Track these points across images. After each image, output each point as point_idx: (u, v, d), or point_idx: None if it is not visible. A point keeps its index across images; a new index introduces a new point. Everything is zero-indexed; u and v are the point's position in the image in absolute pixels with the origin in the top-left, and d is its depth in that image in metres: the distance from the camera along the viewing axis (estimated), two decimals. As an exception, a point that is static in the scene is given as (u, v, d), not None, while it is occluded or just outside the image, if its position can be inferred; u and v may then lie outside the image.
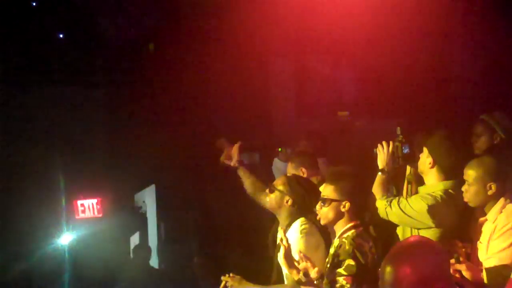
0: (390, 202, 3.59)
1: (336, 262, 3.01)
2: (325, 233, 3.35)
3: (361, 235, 3.04)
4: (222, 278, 3.51)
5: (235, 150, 4.19)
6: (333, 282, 3.02)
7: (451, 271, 3.22)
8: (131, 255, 6.21)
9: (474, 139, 4.54)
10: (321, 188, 3.32)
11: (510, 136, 4.40)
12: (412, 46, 6.06)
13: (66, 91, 6.66)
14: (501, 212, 3.31)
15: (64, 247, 5.65)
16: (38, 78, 6.61)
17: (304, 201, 3.55)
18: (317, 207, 3.16)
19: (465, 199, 3.40)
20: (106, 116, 6.98)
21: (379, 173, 3.75)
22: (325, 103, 6.92)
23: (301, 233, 3.33)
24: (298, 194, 3.56)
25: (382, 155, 3.79)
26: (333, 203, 3.07)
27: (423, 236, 3.31)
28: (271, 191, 3.53)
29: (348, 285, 2.89)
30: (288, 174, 4.40)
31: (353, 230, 3.05)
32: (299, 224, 3.43)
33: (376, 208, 3.80)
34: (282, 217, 3.50)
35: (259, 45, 6.65)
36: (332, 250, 3.12)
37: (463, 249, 3.24)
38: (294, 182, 3.61)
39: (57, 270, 5.43)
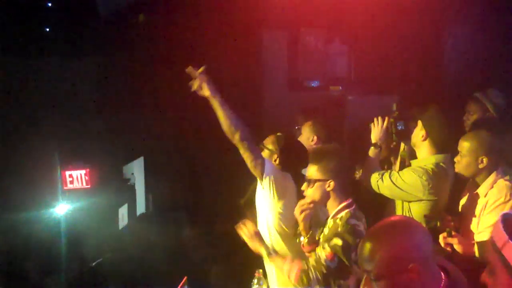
0: (382, 175, 3.62)
1: (325, 239, 3.03)
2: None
3: (355, 215, 3.05)
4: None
5: (200, 76, 3.90)
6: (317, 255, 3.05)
7: (443, 244, 3.27)
8: (121, 226, 6.21)
9: (466, 116, 4.59)
10: None
11: (502, 114, 4.44)
12: (407, 21, 6.03)
13: (54, 61, 6.57)
14: (492, 187, 3.35)
15: (58, 216, 5.62)
16: (26, 48, 6.50)
17: (291, 162, 3.56)
18: (303, 187, 3.17)
19: (456, 170, 3.45)
20: (95, 87, 6.90)
21: (372, 147, 3.77)
22: (318, 78, 6.90)
23: None
24: (285, 154, 3.57)
25: (376, 129, 3.81)
26: (318, 183, 3.07)
27: (405, 216, 3.36)
28: (261, 150, 3.53)
29: (326, 259, 2.95)
30: (301, 131, 4.37)
31: (346, 210, 3.06)
32: None
33: (365, 186, 3.83)
34: None
35: (250, 18, 6.59)
36: (326, 231, 3.12)
37: (452, 223, 3.28)
38: (283, 142, 3.61)
39: (49, 239, 5.41)
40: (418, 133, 3.70)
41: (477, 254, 3.17)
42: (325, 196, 3.09)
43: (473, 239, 3.29)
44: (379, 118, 3.83)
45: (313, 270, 2.98)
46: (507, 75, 5.58)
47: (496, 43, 5.92)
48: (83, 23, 6.76)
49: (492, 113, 4.50)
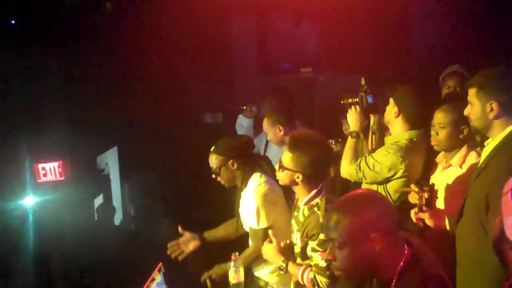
0: (359, 165, 3.63)
1: (309, 234, 3.04)
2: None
3: (330, 201, 3.05)
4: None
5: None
6: (305, 254, 3.06)
7: (414, 219, 3.31)
8: (96, 216, 6.18)
9: (444, 90, 4.61)
10: None
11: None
12: (374, 1, 6.06)
13: (23, 53, 6.47)
14: (464, 160, 3.40)
15: (23, 211, 5.56)
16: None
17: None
18: (276, 167, 3.18)
19: (434, 143, 3.47)
20: (67, 78, 6.82)
21: (349, 137, 3.78)
22: (288, 60, 6.91)
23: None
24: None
25: (353, 116, 3.82)
26: (288, 171, 3.07)
27: (370, 189, 3.39)
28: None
29: (323, 261, 2.93)
30: (264, 130, 4.37)
31: (320, 197, 3.07)
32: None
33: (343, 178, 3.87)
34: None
35: (219, 3, 6.56)
36: (301, 217, 3.12)
37: (424, 196, 3.31)
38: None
39: (21, 233, 5.36)
40: (391, 110, 3.72)
41: (448, 227, 3.22)
42: (293, 183, 3.12)
43: (446, 212, 3.34)
44: (356, 105, 3.82)
45: (319, 278, 3.00)
46: (477, 51, 5.66)
47: (465, 19, 5.98)
48: (49, 14, 6.66)
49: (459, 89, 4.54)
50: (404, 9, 6.35)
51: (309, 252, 3.05)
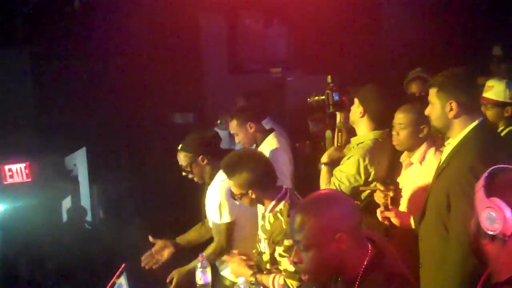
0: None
1: (275, 240, 3.05)
2: None
3: (293, 204, 3.05)
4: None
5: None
6: (274, 260, 3.06)
7: (380, 218, 3.33)
8: (64, 218, 6.09)
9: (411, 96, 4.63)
10: None
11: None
12: (343, 1, 6.09)
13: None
14: (424, 157, 3.43)
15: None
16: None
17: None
18: (236, 197, 3.20)
19: (395, 143, 3.49)
20: (33, 78, 6.72)
21: (323, 166, 3.73)
22: (258, 60, 6.90)
23: None
24: None
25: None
26: (243, 197, 3.10)
27: (333, 189, 3.40)
28: None
29: (291, 266, 2.93)
30: (233, 133, 4.33)
31: (283, 202, 3.08)
32: None
33: None
34: None
35: (188, 2, 6.53)
36: (267, 225, 3.12)
37: (388, 193, 3.33)
38: None
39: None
40: (356, 110, 3.73)
41: (413, 226, 3.24)
42: (256, 201, 3.14)
43: (410, 211, 3.36)
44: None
45: (289, 281, 3.00)
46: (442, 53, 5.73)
47: (430, 22, 6.05)
48: (16, 13, 6.57)
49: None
50: (373, 9, 6.40)
51: (277, 257, 3.06)
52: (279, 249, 3.03)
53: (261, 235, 3.21)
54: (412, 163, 3.45)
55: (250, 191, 3.07)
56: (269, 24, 6.98)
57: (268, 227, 3.11)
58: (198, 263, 3.40)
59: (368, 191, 3.57)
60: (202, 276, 3.36)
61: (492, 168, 1.80)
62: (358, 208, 2.15)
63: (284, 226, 2.99)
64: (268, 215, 3.12)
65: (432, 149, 3.42)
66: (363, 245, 2.10)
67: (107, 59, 6.52)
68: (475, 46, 5.73)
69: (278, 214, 3.06)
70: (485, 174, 1.77)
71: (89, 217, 6.47)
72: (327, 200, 2.12)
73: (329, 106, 3.89)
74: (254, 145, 4.41)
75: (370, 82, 3.84)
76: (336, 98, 3.84)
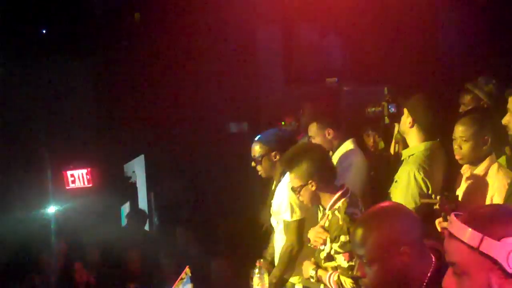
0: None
1: (331, 237, 3.06)
2: None
3: (351, 203, 3.05)
4: None
5: None
6: (331, 258, 3.08)
7: (439, 229, 3.30)
8: (124, 223, 6.26)
9: (462, 108, 4.59)
10: None
11: (495, 101, 4.46)
12: (398, 13, 6.06)
13: (55, 60, 6.62)
14: (486, 172, 3.37)
15: (51, 217, 5.66)
16: (25, 47, 6.54)
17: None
18: (296, 196, 3.22)
19: (458, 157, 3.43)
20: (95, 87, 6.96)
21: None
22: (313, 70, 6.92)
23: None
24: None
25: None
26: (303, 189, 3.11)
27: (394, 202, 3.36)
28: None
29: (346, 262, 2.95)
30: (311, 135, 4.30)
31: (343, 200, 3.07)
32: None
33: None
34: None
35: (246, 11, 6.62)
36: (326, 223, 3.14)
37: (449, 206, 3.29)
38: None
39: (48, 240, 5.46)
40: (405, 120, 3.69)
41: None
42: (314, 196, 3.14)
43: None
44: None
45: (343, 278, 3.02)
46: (498, 64, 5.61)
47: (486, 33, 5.95)
48: (80, 23, 6.81)
49: (486, 101, 4.50)
50: (428, 19, 6.34)
51: (333, 254, 3.07)
52: (335, 246, 3.04)
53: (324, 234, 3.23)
54: (474, 176, 3.41)
55: (310, 182, 3.07)
56: (325, 35, 7.00)
57: (327, 224, 3.13)
58: (255, 269, 3.45)
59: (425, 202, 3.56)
60: (260, 282, 3.41)
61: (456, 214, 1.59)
62: (420, 220, 2.14)
63: (340, 223, 3.00)
64: (328, 212, 3.14)
65: (496, 165, 3.34)
66: (427, 257, 2.08)
67: (166, 70, 6.69)
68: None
69: (336, 212, 3.07)
70: (467, 227, 1.53)
71: (146, 223, 6.63)
72: (389, 213, 2.10)
73: (384, 118, 3.89)
74: (330, 152, 4.37)
75: (419, 90, 3.82)
76: (392, 109, 3.84)
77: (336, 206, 3.08)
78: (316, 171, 3.06)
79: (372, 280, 2.05)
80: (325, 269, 3.17)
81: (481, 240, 1.50)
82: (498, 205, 1.73)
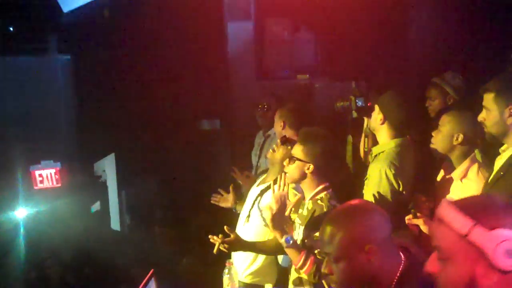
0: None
1: (314, 227, 3.05)
2: None
3: (334, 197, 3.10)
4: (212, 239, 3.37)
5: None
6: (312, 247, 3.07)
7: (409, 226, 3.30)
8: (93, 223, 6.16)
9: (428, 102, 4.63)
10: None
11: (462, 96, 4.49)
12: (368, 10, 6.07)
13: (23, 57, 6.48)
14: (466, 174, 3.37)
15: (28, 216, 5.56)
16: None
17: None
18: (285, 163, 3.22)
19: (431, 145, 3.47)
20: (65, 85, 6.82)
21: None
22: (285, 67, 6.90)
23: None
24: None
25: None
26: (298, 163, 3.12)
27: (363, 200, 3.39)
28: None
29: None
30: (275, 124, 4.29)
31: (325, 192, 3.11)
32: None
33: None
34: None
35: (217, 6, 6.57)
36: (305, 212, 3.14)
37: (426, 204, 3.30)
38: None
39: (14, 242, 5.35)
40: (376, 117, 3.72)
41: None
42: (303, 176, 3.15)
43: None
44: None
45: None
46: (467, 60, 5.65)
47: (456, 30, 5.99)
48: (49, 20, 6.67)
49: (453, 95, 4.54)
50: (401, 16, 6.36)
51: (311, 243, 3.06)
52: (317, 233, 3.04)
53: (297, 221, 3.23)
54: (452, 177, 3.41)
55: (310, 165, 3.09)
56: (297, 31, 6.99)
57: (305, 213, 3.14)
58: (225, 269, 3.41)
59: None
60: (230, 282, 3.38)
61: (457, 202, 1.59)
62: (389, 219, 2.13)
63: (325, 210, 3.03)
64: (308, 202, 3.16)
65: (476, 166, 3.35)
66: (396, 256, 2.08)
67: (136, 66, 6.60)
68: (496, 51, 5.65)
69: (319, 201, 3.10)
70: (458, 214, 1.52)
71: (117, 223, 6.54)
72: (357, 212, 2.11)
73: (352, 112, 3.90)
74: None
75: (395, 89, 3.82)
76: (360, 104, 3.85)
77: (318, 197, 3.14)
78: (323, 159, 3.12)
79: (339, 278, 2.07)
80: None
81: (471, 228, 1.47)
82: (492, 195, 1.70)
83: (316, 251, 3.03)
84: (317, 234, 3.02)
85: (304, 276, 3.06)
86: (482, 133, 3.24)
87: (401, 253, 2.10)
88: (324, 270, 2.13)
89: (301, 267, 3.02)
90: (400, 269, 2.05)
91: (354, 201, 2.17)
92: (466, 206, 1.54)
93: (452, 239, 1.52)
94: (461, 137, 3.34)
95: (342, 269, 2.04)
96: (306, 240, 3.12)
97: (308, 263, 3.00)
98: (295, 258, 3.04)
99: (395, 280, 2.04)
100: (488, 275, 1.47)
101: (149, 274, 2.57)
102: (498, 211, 1.50)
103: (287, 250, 3.07)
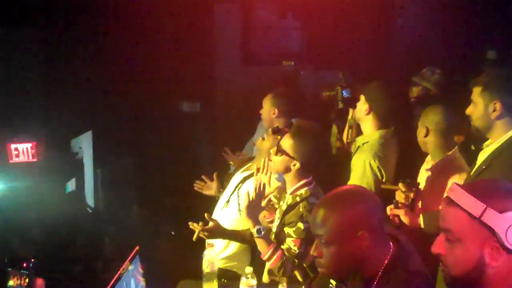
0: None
1: (286, 221, 3.06)
2: None
3: (314, 194, 3.09)
4: (192, 226, 3.40)
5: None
6: (281, 241, 3.08)
7: (390, 216, 3.34)
8: (68, 200, 6.10)
9: (411, 100, 4.67)
10: None
11: (443, 89, 4.54)
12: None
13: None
14: (442, 168, 3.42)
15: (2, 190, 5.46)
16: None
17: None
18: (272, 151, 3.19)
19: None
20: (43, 59, 6.69)
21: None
22: (271, 52, 6.88)
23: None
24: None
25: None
26: (285, 157, 3.09)
27: (358, 186, 3.42)
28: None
29: (296, 248, 2.96)
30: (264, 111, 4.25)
31: (306, 188, 3.10)
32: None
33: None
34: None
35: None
36: (284, 206, 3.15)
37: (409, 194, 3.33)
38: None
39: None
40: (362, 107, 3.75)
41: (422, 225, 3.25)
42: (287, 170, 3.13)
43: (420, 211, 3.37)
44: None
45: (288, 259, 3.01)
46: (451, 52, 5.72)
47: (443, 22, 6.04)
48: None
49: (434, 91, 4.58)
50: (388, 5, 6.38)
51: (282, 236, 3.08)
52: (289, 230, 3.05)
53: (277, 215, 3.24)
54: (431, 168, 3.46)
55: (296, 162, 3.06)
56: (284, 16, 6.95)
57: (284, 207, 3.14)
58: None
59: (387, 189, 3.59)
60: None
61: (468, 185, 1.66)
62: (382, 205, 2.16)
63: (300, 209, 3.02)
64: (288, 196, 3.15)
65: (452, 161, 3.41)
66: (385, 243, 2.10)
67: (117, 45, 6.50)
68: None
69: (297, 198, 3.08)
70: (471, 196, 1.58)
71: (92, 202, 6.48)
72: (352, 197, 2.12)
73: (338, 102, 3.91)
74: None
75: (376, 78, 3.85)
76: (346, 94, 3.87)
77: (298, 193, 3.11)
78: (311, 158, 3.09)
79: (328, 261, 2.08)
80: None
81: (484, 210, 1.54)
82: (499, 180, 1.79)
83: (284, 248, 3.04)
84: (286, 229, 3.05)
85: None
86: (461, 128, 3.29)
87: (390, 242, 2.12)
88: (313, 252, 2.13)
89: (268, 260, 3.05)
90: (388, 257, 2.07)
91: (349, 186, 2.18)
92: (476, 189, 1.61)
93: (464, 222, 1.57)
94: (432, 130, 3.38)
95: (332, 253, 2.05)
96: (279, 235, 3.14)
97: (275, 257, 3.02)
98: (263, 250, 3.07)
99: (382, 268, 2.06)
100: (497, 256, 1.56)
101: (134, 251, 2.55)
102: (506, 195, 1.58)
103: (257, 240, 3.08)
